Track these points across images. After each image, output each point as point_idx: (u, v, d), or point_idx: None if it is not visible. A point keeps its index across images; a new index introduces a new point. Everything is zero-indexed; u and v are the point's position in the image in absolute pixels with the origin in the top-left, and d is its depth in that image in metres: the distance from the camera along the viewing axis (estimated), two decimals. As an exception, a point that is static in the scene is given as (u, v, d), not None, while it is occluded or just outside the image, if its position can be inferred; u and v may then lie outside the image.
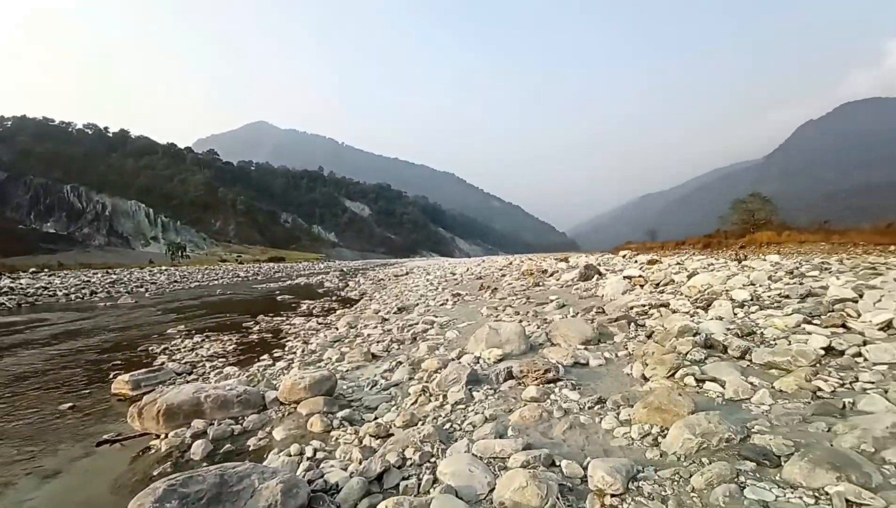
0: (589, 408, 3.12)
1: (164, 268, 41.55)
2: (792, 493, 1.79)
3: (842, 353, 3.33)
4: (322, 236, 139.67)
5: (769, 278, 6.94)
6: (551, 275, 13.66)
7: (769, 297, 5.60)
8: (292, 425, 3.42)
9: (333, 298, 15.27)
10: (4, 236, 58.18)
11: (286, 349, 6.79)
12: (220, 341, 7.50)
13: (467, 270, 22.88)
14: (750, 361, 3.61)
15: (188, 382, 4.92)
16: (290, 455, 2.94)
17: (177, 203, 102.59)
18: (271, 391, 3.93)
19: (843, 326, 3.89)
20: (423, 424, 3.18)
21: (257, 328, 8.90)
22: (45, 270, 32.75)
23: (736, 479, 1.93)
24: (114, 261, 51.78)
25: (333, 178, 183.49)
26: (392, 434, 3.11)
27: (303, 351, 6.41)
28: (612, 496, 1.94)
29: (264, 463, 2.80)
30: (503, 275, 16.58)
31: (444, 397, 3.66)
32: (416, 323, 7.61)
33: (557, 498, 1.93)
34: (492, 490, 2.13)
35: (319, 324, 9.05)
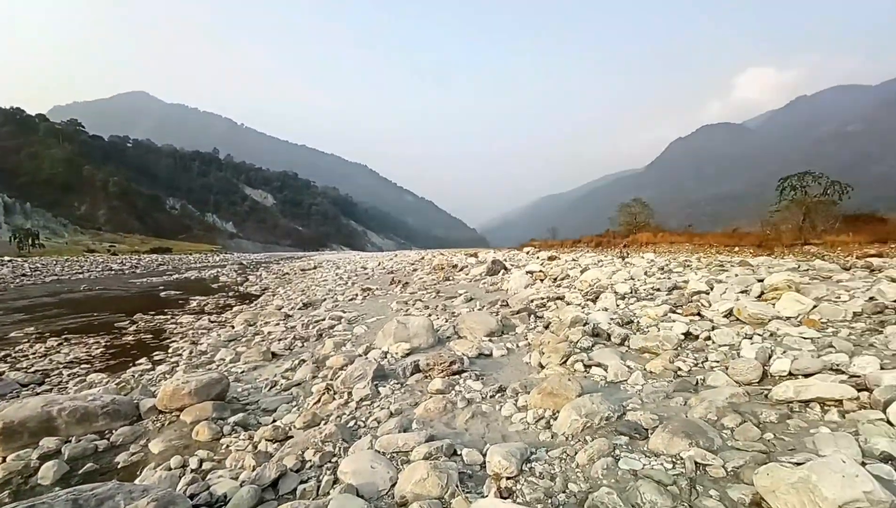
0: (490, 397, 3.28)
1: (7, 259, 34.25)
2: (656, 460, 2.07)
3: (696, 337, 3.96)
4: (218, 226, 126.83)
5: (645, 273, 7.95)
6: (461, 270, 14.09)
7: (645, 290, 6.42)
8: (173, 435, 3.06)
9: (230, 293, 14.00)
10: None
11: (169, 351, 6.05)
12: (85, 344, 6.41)
13: (379, 264, 22.61)
14: (628, 347, 4.10)
15: (37, 394, 4.13)
16: (171, 469, 2.62)
17: (26, 181, 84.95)
18: (148, 399, 3.47)
19: (699, 314, 4.62)
20: (325, 423, 3.07)
21: (134, 328, 7.80)
22: None
23: (612, 453, 2.17)
24: (-69, 249, 41.27)
25: (231, 162, 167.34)
26: (291, 437, 2.95)
27: (190, 353, 5.76)
28: (508, 478, 2.06)
29: (135, 482, 2.46)
30: (415, 270, 16.68)
31: (349, 394, 3.57)
32: (323, 319, 7.32)
33: (457, 486, 2.00)
34: (394, 485, 2.12)
35: (212, 322, 8.23)
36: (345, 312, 8.00)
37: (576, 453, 2.24)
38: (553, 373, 3.49)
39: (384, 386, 3.69)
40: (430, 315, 6.61)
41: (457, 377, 3.75)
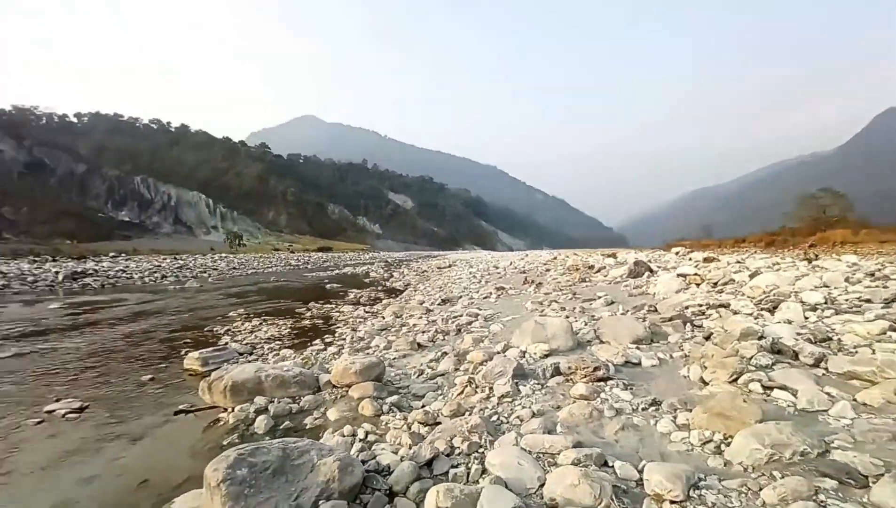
0: (643, 409, 3.03)
1: (223, 255, 44.38)
2: (881, 517, 1.65)
3: (938, 366, 3.00)
4: (367, 228, 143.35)
5: (846, 279, 6.36)
6: (598, 271, 13.25)
7: (846, 300, 5.14)
8: (344, 407, 3.57)
9: (379, 288, 15.67)
10: (87, 224, 64.52)
11: (336, 335, 7.07)
12: (276, 324, 7.93)
13: (510, 264, 22.71)
14: (826, 369, 3.34)
15: (249, 361, 5.26)
16: (344, 436, 3.08)
17: (233, 194, 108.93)
18: (324, 374, 4.13)
19: (940, 336, 3.50)
20: (469, 414, 3.22)
21: (309, 314, 9.32)
22: (123, 254, 35.99)
23: (815, 497, 1.80)
24: (180, 247, 55.97)
25: (377, 170, 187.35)
26: (440, 423, 3.17)
27: (351, 338, 6.65)
28: (672, 502, 1.88)
29: (321, 442, 2.95)
30: (547, 270, 16.30)
31: (490, 389, 3.68)
32: (461, 315, 7.67)
33: (612, 499, 1.90)
34: (542, 486, 2.12)
35: (367, 313, 9.33)
36: (480, 309, 8.25)
37: (761, 488, 1.92)
38: (721, 391, 3.04)
39: (524, 385, 3.71)
40: (567, 317, 6.39)
41: (601, 383, 3.55)
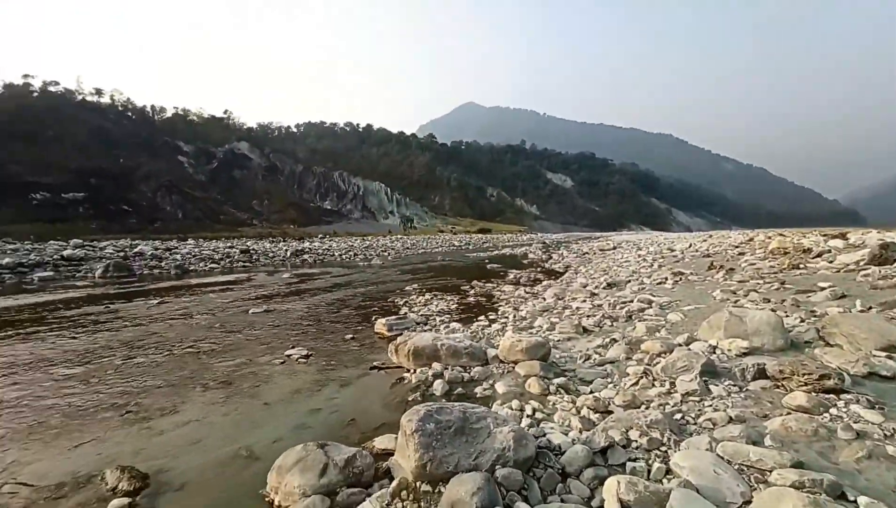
0: (901, 437, 2.29)
1: (399, 237, 50.45)
2: None
3: None
4: (524, 209, 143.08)
5: None
6: (818, 256, 10.41)
7: None
8: (511, 382, 3.70)
9: (538, 269, 15.56)
10: (303, 212, 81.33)
11: (499, 312, 7.33)
12: (445, 300, 8.66)
13: (690, 246, 19.70)
14: None
15: (424, 331, 5.89)
16: (512, 409, 3.19)
17: (406, 183, 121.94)
18: (491, 349, 4.34)
19: None
20: (647, 408, 2.97)
21: (472, 292, 9.88)
22: (326, 236, 44.25)
23: None
24: (366, 231, 66.03)
25: (535, 150, 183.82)
26: (611, 412, 3.02)
27: (514, 317, 6.79)
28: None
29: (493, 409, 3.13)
30: (741, 253, 13.56)
31: (672, 384, 3.31)
32: (631, 301, 7.06)
33: (855, 539, 1.51)
34: (746, 503, 1.82)
35: (527, 293, 9.38)
36: (654, 295, 7.43)
37: None
38: None
39: (716, 385, 3.21)
40: (773, 310, 5.23)
41: (831, 396, 2.82)
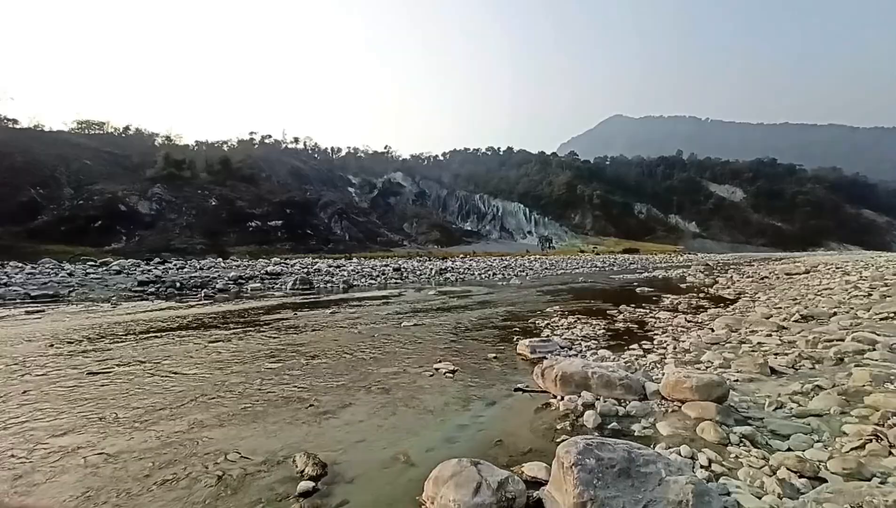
0: None
1: (537, 257, 49.69)
2: None
3: None
4: (680, 226, 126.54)
5: None
6: None
7: None
8: (678, 424, 3.24)
9: (700, 295, 13.50)
10: (446, 232, 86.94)
11: (655, 342, 6.56)
12: (590, 324, 8.13)
13: (935, 271, 14.71)
14: None
15: (570, 356, 5.61)
16: (681, 455, 2.78)
17: (545, 202, 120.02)
18: (651, 383, 3.88)
19: None
20: (883, 483, 2.27)
21: (621, 317, 9.07)
22: (467, 256, 46.22)
23: None
24: (503, 250, 66.92)
25: (694, 160, 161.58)
26: (824, 480, 2.39)
27: (674, 348, 5.99)
28: None
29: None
30: None
31: (924, 457, 2.46)
32: (840, 339, 5.57)
33: None
34: None
35: (688, 321, 8.21)
36: (878, 334, 5.72)
37: None
38: None
39: None
40: None
41: None
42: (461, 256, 44.96)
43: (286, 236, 57.85)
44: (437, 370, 5.26)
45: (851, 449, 2.75)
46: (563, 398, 3.85)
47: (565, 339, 6.73)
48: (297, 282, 16.86)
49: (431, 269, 26.11)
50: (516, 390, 4.46)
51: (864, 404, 3.41)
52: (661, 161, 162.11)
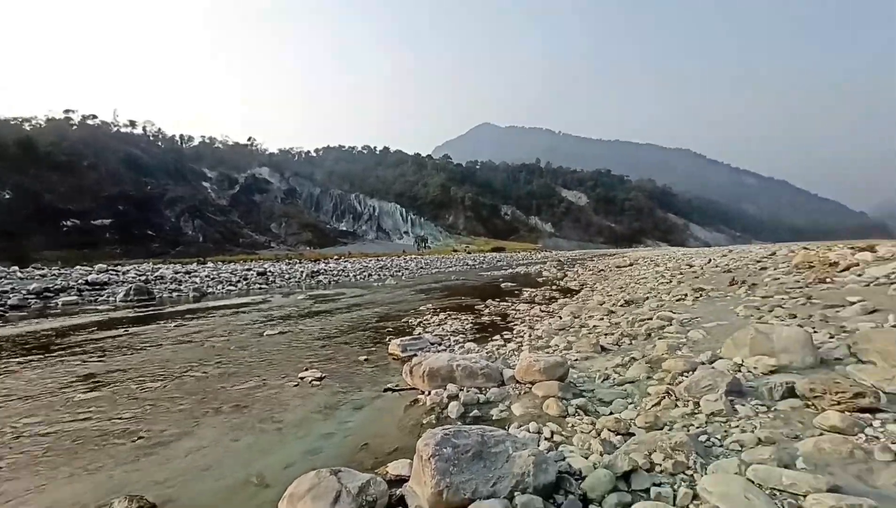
0: (947, 460, 2.15)
1: (413, 256, 50.73)
2: None
3: None
4: (539, 227, 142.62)
5: None
6: (846, 269, 10.04)
7: None
8: (529, 404, 3.61)
9: (553, 287, 15.39)
10: (319, 233, 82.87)
11: (514, 332, 7.25)
12: (459, 319, 8.61)
13: (709, 261, 19.25)
14: None
15: (439, 351, 5.84)
16: (530, 432, 3.11)
17: (420, 202, 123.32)
18: (508, 369, 4.26)
19: None
20: (671, 429, 2.86)
21: (487, 311, 9.80)
22: (341, 257, 44.77)
23: None
24: (380, 251, 66.66)
25: (550, 168, 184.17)
26: (632, 434, 2.91)
27: (529, 336, 6.70)
28: None
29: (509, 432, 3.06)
30: (762, 268, 13.19)
31: (696, 404, 3.19)
32: (650, 318, 6.90)
33: (902, 572, 1.40)
34: (781, 531, 1.72)
35: (542, 311, 9.27)
36: (674, 313, 7.25)
37: None
38: None
39: (742, 405, 3.08)
40: (800, 326, 5.04)
41: (867, 415, 2.68)
42: (336, 257, 43.36)
43: (117, 238, 48.29)
44: (302, 379, 4.97)
45: (651, 406, 3.41)
46: (430, 393, 3.98)
47: (436, 335, 7.00)
48: (132, 293, 14.21)
49: (302, 272, 24.61)
50: (386, 390, 4.46)
51: (662, 368, 4.26)
52: (523, 168, 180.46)
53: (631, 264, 24.59)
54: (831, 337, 4.59)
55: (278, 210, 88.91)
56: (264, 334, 7.73)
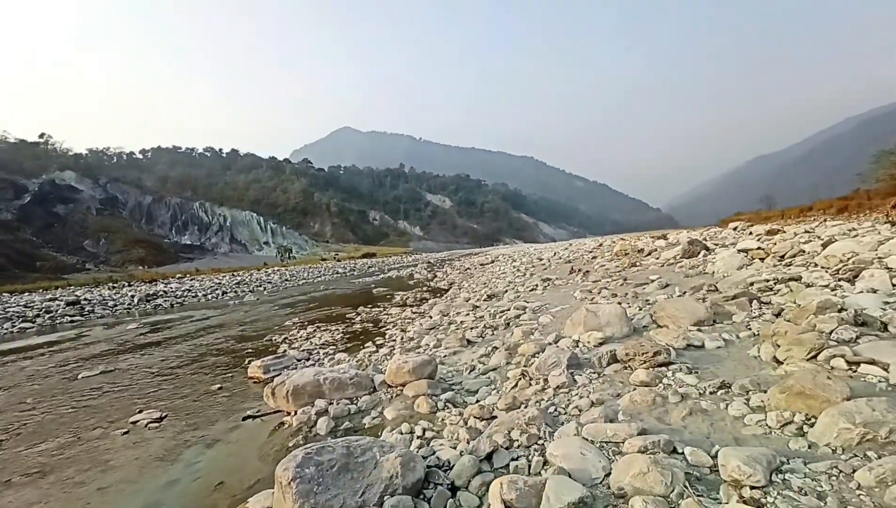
0: (711, 393, 2.85)
1: (276, 269, 46.72)
2: None
3: None
4: (408, 231, 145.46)
5: (941, 240, 5.66)
6: (649, 254, 12.66)
7: (943, 263, 4.57)
8: (401, 406, 3.64)
9: (424, 288, 15.85)
10: (155, 249, 70.24)
11: (386, 336, 7.23)
12: (329, 330, 8.23)
13: (554, 254, 22.20)
14: (923, 340, 2.99)
15: (307, 367, 5.49)
16: (402, 434, 3.13)
17: (281, 210, 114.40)
18: (379, 375, 4.23)
19: None
20: (526, 407, 3.18)
21: (359, 318, 9.59)
22: (187, 275, 38.78)
23: (918, 477, 1.61)
24: (237, 265, 59.60)
25: (414, 173, 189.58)
26: (496, 417, 3.15)
27: (402, 338, 6.77)
28: (753, 487, 1.75)
29: (382, 438, 3.03)
30: (594, 257, 15.77)
31: (545, 381, 3.61)
32: (508, 309, 7.59)
33: (685, 486, 1.80)
34: (608, 475, 2.05)
35: (414, 313, 9.46)
36: (528, 302, 8.12)
37: (854, 470, 1.74)
38: (799, 370, 2.80)
39: (580, 375, 3.61)
40: (619, 303, 6.15)
41: (663, 368, 3.38)
42: (179, 275, 37.39)
43: None
44: (134, 423, 4.15)
45: (511, 389, 3.75)
46: (296, 413, 3.71)
47: (304, 351, 6.57)
48: None
49: (133, 296, 20.59)
50: (246, 418, 4.01)
51: (518, 353, 4.73)
52: (388, 172, 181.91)
53: (492, 262, 26.83)
54: (640, 310, 5.68)
55: (94, 224, 72.47)
56: (80, 376, 6.23)
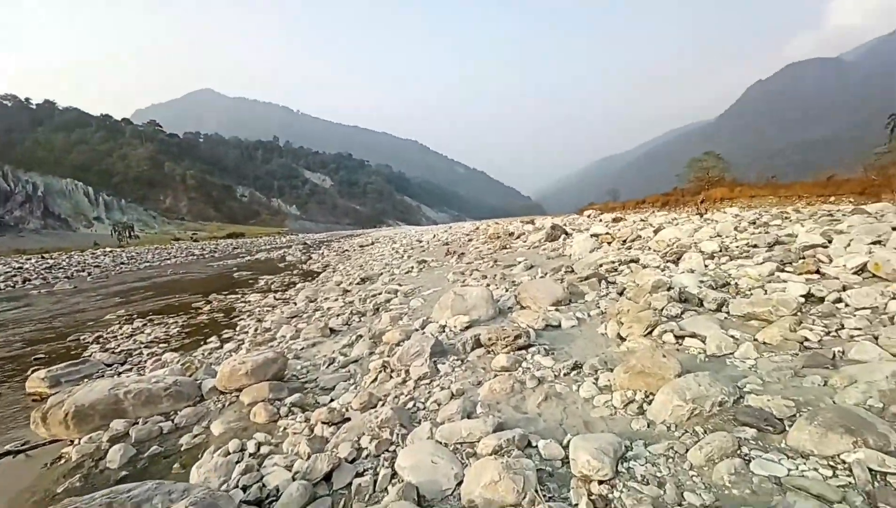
0: (565, 375, 2.86)
1: (109, 250, 38.68)
2: (804, 463, 1.55)
3: (822, 300, 3.21)
4: (283, 210, 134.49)
5: (734, 228, 6.93)
6: (518, 237, 13.49)
7: (737, 247, 5.54)
8: (233, 417, 2.98)
9: (295, 272, 14.55)
10: (-81, 224, 52.51)
11: (237, 328, 6.25)
12: (164, 324, 6.83)
13: (434, 236, 22.51)
14: (727, 313, 3.45)
15: (120, 373, 4.36)
16: (228, 454, 2.51)
17: (119, 180, 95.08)
18: (210, 380, 3.46)
19: (818, 272, 3.79)
20: (382, 405, 2.83)
21: (208, 307, 8.23)
22: (-30, 258, 29.72)
23: (739, 451, 1.68)
24: (52, 245, 47.72)
25: (290, 148, 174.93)
26: (348, 419, 2.74)
27: (255, 330, 5.88)
28: (600, 482, 1.65)
29: (196, 465, 2.37)
30: (470, 240, 16.31)
31: (407, 372, 3.32)
32: (380, 293, 7.20)
33: (536, 491, 1.63)
34: (460, 483, 1.81)
35: (277, 300, 8.47)
36: (401, 285, 7.84)
37: (686, 450, 1.77)
38: (641, 347, 2.98)
39: (443, 363, 3.40)
40: (488, 285, 6.22)
41: (523, 351, 3.36)
42: (-42, 259, 28.39)
43: None
44: None
45: (370, 383, 3.37)
46: (79, 442, 2.78)
47: (120, 352, 5.26)
48: None
49: None
50: (4, 455, 2.90)
51: (383, 341, 4.36)
52: (259, 145, 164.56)
53: (373, 243, 26.13)
54: (506, 291, 5.79)
55: None
56: None
